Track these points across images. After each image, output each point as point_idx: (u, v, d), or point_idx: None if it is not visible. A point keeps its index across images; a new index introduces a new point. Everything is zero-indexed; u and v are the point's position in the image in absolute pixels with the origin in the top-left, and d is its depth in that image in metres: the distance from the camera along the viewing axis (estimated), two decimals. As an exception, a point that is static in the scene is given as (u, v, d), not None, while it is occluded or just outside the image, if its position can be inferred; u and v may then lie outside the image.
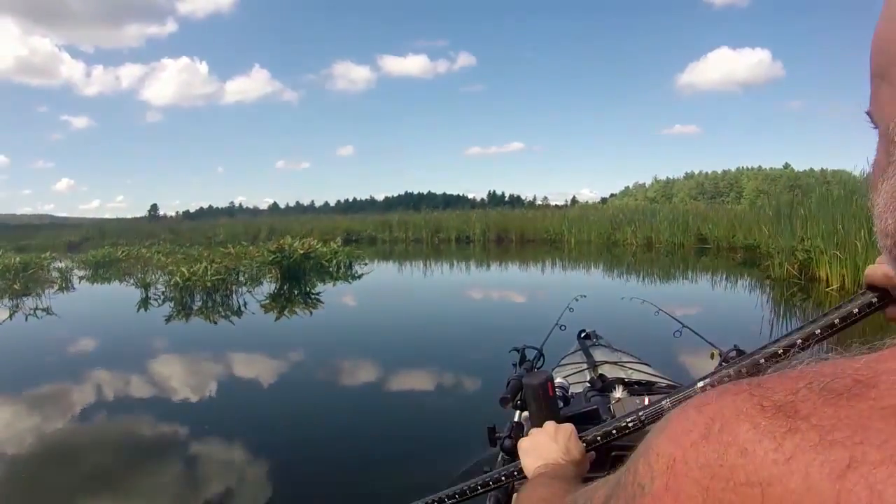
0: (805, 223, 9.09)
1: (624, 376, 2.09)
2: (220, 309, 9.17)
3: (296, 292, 10.83)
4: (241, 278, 10.72)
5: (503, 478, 0.99)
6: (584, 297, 3.31)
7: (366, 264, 13.90)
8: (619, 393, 1.75)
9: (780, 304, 8.21)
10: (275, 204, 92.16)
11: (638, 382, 1.96)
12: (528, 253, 21.16)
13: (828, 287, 8.37)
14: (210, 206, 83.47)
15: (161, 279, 10.60)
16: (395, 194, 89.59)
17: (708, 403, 0.34)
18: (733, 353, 1.51)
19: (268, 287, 10.84)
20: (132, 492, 3.13)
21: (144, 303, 9.65)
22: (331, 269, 12.83)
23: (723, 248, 18.20)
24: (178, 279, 8.88)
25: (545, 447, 0.89)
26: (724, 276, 12.41)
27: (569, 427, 0.93)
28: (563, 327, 2.73)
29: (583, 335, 2.93)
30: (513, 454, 1.04)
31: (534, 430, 0.96)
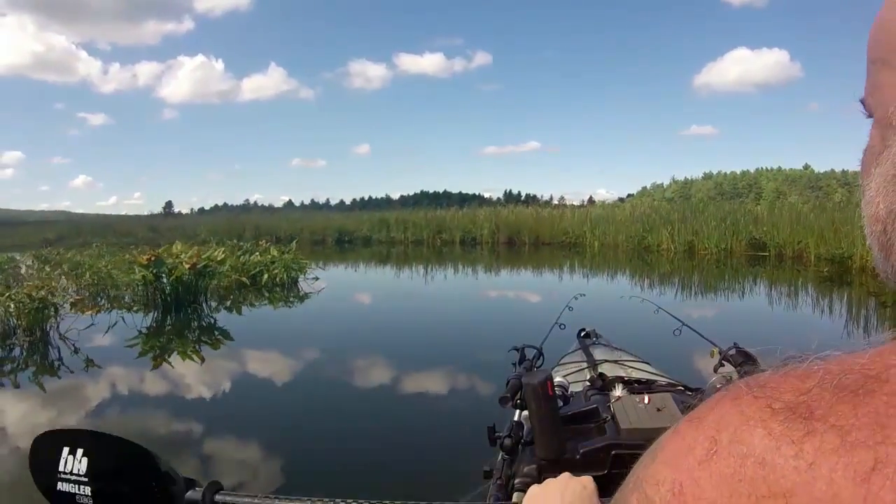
0: None
1: (624, 375, 2.06)
2: (37, 359, 5.90)
3: (188, 325, 7.43)
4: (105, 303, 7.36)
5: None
6: (584, 295, 3.15)
7: (316, 279, 10.36)
8: (618, 391, 1.57)
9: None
10: (290, 202, 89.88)
11: (638, 381, 1.87)
12: (545, 258, 17.67)
13: None
14: (225, 204, 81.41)
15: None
16: (411, 193, 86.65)
17: (703, 417, 0.31)
18: (733, 352, 1.59)
19: (143, 319, 7.43)
20: None
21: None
22: (265, 287, 9.40)
23: (787, 256, 14.43)
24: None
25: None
26: (828, 301, 8.74)
27: (586, 484, 0.79)
28: (562, 326, 2.54)
29: (582, 334, 2.86)
30: (513, 453, 1.18)
31: (548, 481, 0.84)
